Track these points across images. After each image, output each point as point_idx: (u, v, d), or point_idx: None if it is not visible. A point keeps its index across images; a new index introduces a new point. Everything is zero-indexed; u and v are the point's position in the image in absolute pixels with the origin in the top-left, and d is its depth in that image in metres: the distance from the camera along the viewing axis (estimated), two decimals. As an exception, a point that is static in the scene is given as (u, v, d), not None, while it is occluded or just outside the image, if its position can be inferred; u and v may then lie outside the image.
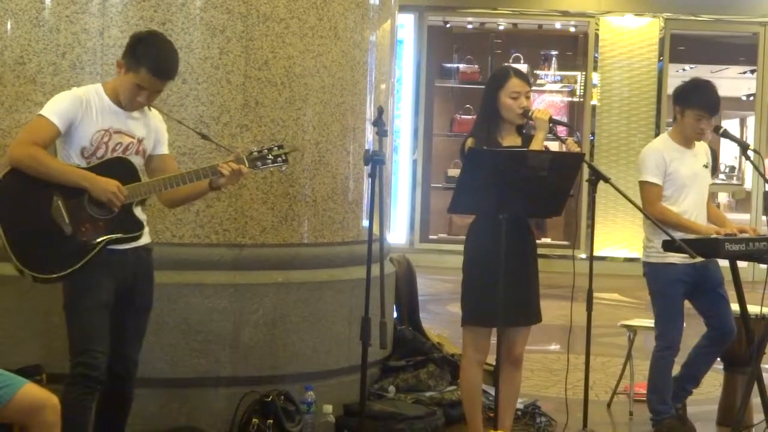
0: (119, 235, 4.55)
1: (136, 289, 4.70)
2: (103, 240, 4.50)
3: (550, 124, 5.30)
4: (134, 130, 4.67)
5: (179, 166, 5.39)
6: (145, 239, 4.73)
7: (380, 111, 5.03)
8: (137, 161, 4.69)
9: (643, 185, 5.97)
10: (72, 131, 4.53)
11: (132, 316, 4.72)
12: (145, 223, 4.70)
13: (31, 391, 4.00)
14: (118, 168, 4.56)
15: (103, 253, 4.51)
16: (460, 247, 5.45)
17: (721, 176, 21.87)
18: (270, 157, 4.76)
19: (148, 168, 4.78)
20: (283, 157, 4.80)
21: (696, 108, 5.94)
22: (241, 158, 4.71)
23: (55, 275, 4.48)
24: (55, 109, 4.53)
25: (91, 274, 4.49)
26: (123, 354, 4.68)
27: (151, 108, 4.78)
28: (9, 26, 5.56)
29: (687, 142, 6.03)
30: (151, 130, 4.76)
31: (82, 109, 4.53)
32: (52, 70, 5.50)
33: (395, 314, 6.93)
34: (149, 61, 4.54)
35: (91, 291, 4.50)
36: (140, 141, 4.68)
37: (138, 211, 4.67)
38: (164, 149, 4.84)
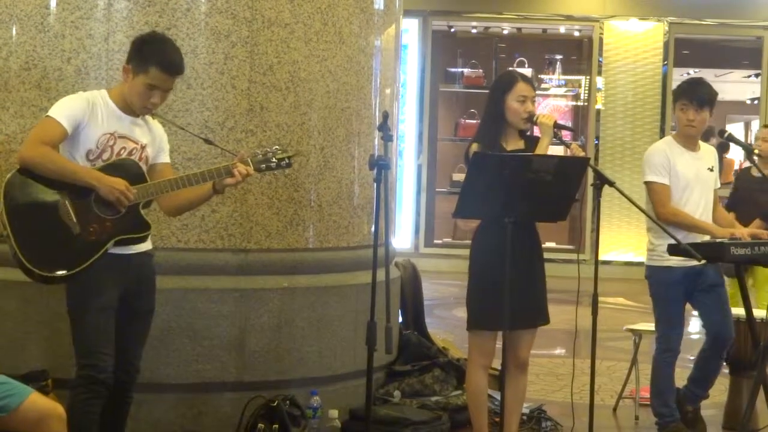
0: (128, 236, 4.57)
1: (139, 293, 4.70)
2: (111, 240, 4.51)
3: (555, 129, 5.31)
4: (138, 136, 4.68)
5: (184, 171, 5.40)
6: (147, 245, 4.74)
7: (385, 116, 5.02)
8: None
9: (650, 186, 5.95)
10: (78, 133, 4.54)
11: (135, 321, 4.70)
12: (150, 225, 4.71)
13: (37, 401, 4.00)
14: (126, 169, 4.58)
15: (108, 256, 4.51)
16: (465, 252, 5.46)
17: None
18: (274, 160, 4.76)
19: (149, 177, 4.75)
20: (287, 161, 4.81)
21: (680, 99, 5.99)
22: (246, 161, 4.70)
23: (62, 273, 4.47)
24: (64, 111, 4.54)
25: (96, 275, 4.49)
26: (126, 360, 4.65)
27: (153, 116, 4.80)
28: (14, 32, 5.57)
29: (690, 142, 6.03)
30: (155, 138, 4.77)
31: (89, 112, 4.55)
32: (57, 75, 5.51)
33: (400, 319, 6.93)
34: (158, 57, 4.57)
35: (97, 292, 4.50)
36: (143, 147, 4.68)
37: (144, 214, 4.66)
38: (166, 158, 4.85)
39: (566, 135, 5.50)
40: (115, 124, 4.61)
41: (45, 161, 4.45)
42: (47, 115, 4.56)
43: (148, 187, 4.59)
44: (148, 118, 4.75)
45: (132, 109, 4.65)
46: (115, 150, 4.59)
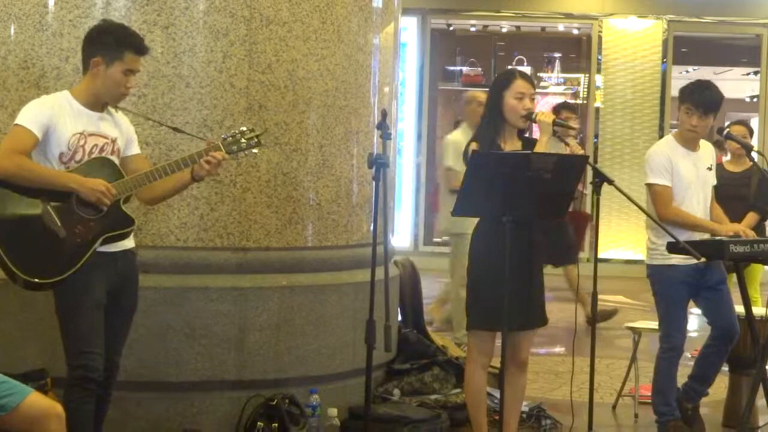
0: (114, 233, 4.58)
1: (124, 291, 4.71)
2: (98, 239, 4.52)
3: (554, 127, 5.31)
4: (108, 131, 4.67)
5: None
6: (131, 242, 4.76)
7: (384, 114, 5.03)
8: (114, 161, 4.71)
9: (652, 188, 5.94)
10: (48, 137, 4.53)
11: (118, 318, 4.71)
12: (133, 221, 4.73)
13: (36, 400, 4.00)
14: (102, 167, 4.59)
15: (94, 254, 4.52)
16: (464, 250, 5.45)
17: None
18: (243, 140, 4.77)
19: (123, 170, 4.76)
20: (256, 140, 4.80)
21: (686, 102, 5.94)
22: (217, 145, 4.72)
23: (54, 279, 4.47)
24: (32, 117, 4.53)
25: (85, 274, 4.49)
26: (108, 358, 4.63)
27: (118, 110, 4.79)
28: (12, 30, 5.56)
29: (691, 143, 6.02)
30: (122, 131, 4.77)
31: (55, 115, 4.54)
32: (55, 74, 5.51)
33: (399, 317, 6.93)
34: (129, 41, 4.61)
35: (86, 291, 4.50)
36: (114, 141, 4.68)
37: (126, 209, 4.67)
38: (136, 149, 4.86)
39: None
40: (83, 123, 4.60)
41: (22, 171, 4.44)
42: (16, 123, 4.54)
43: (126, 182, 4.59)
44: (113, 110, 4.74)
45: (102, 102, 4.66)
46: (86, 149, 4.58)
